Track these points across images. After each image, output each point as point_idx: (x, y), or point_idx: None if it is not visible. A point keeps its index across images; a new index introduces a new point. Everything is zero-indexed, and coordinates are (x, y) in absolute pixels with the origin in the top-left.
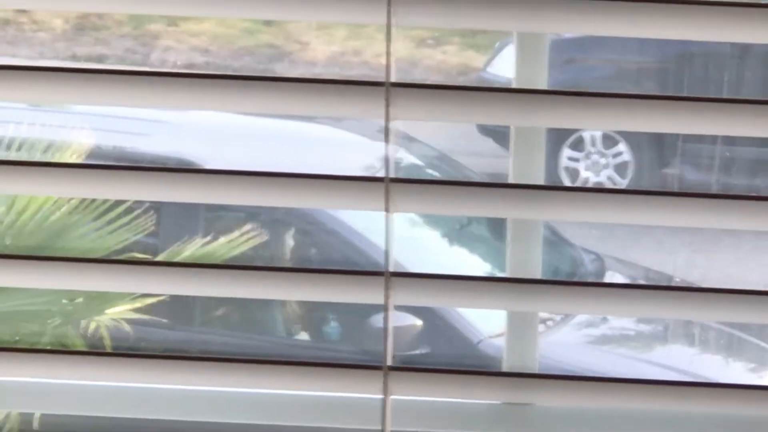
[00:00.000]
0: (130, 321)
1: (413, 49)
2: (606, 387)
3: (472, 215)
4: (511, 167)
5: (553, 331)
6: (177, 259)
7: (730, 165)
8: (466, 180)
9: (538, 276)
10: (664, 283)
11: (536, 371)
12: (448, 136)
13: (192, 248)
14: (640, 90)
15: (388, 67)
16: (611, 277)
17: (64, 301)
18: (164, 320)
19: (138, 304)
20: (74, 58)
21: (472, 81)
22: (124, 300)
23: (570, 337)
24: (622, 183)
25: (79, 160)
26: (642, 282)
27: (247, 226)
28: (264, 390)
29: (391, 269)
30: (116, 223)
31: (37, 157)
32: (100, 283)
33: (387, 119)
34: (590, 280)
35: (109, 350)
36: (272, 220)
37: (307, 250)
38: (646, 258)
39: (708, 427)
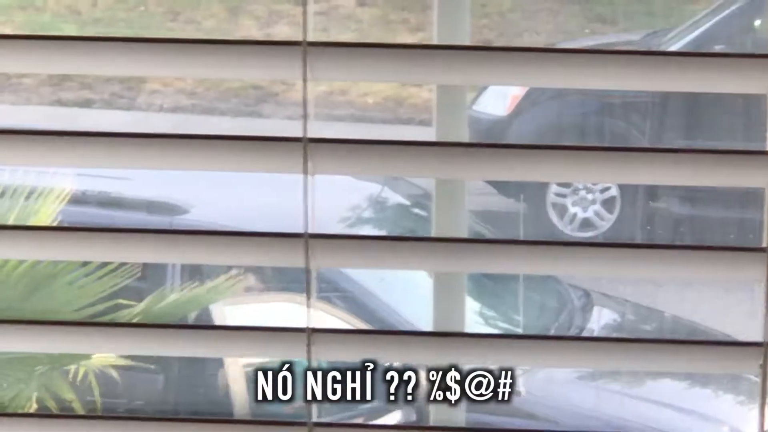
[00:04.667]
0: (117, 367)
1: (398, 88)
2: None
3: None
4: (434, 221)
5: (539, 369)
6: (162, 304)
7: (717, 197)
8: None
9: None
10: (654, 318)
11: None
12: None
13: (177, 294)
14: (629, 124)
15: (305, 121)
16: (599, 312)
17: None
18: (151, 366)
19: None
20: (60, 103)
21: None
22: None
23: (559, 372)
24: (610, 218)
25: (63, 205)
26: (630, 317)
27: (233, 271)
28: None
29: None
30: (103, 269)
31: (20, 203)
32: (76, 345)
33: (305, 173)
34: (577, 316)
35: (96, 397)
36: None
37: None
38: (635, 293)
39: None
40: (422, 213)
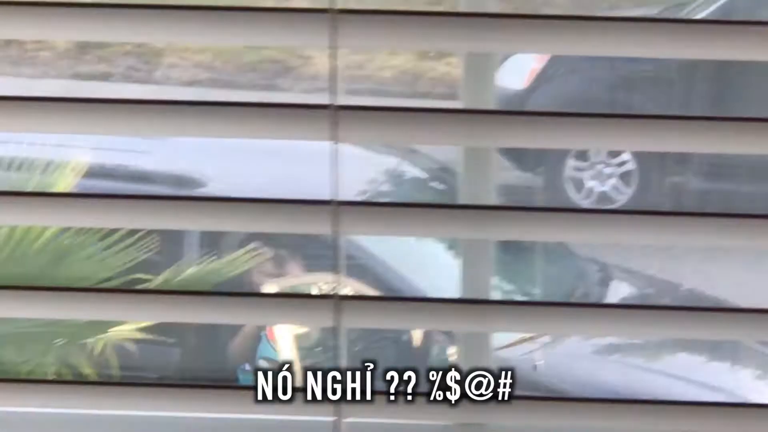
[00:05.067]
0: (135, 340)
1: (416, 62)
2: (559, 407)
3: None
4: (460, 188)
5: (559, 341)
6: (180, 278)
7: (736, 172)
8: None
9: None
10: (672, 291)
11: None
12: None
13: (194, 267)
14: (648, 100)
15: (334, 88)
16: (616, 286)
17: (69, 321)
18: (169, 339)
19: (143, 324)
20: (77, 76)
21: None
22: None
23: (576, 347)
24: (627, 192)
25: (78, 178)
26: (649, 291)
27: (251, 245)
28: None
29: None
30: (121, 243)
31: (37, 176)
32: (96, 311)
33: (334, 141)
34: (595, 289)
35: (115, 369)
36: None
37: None
38: (653, 266)
39: None
40: (440, 186)
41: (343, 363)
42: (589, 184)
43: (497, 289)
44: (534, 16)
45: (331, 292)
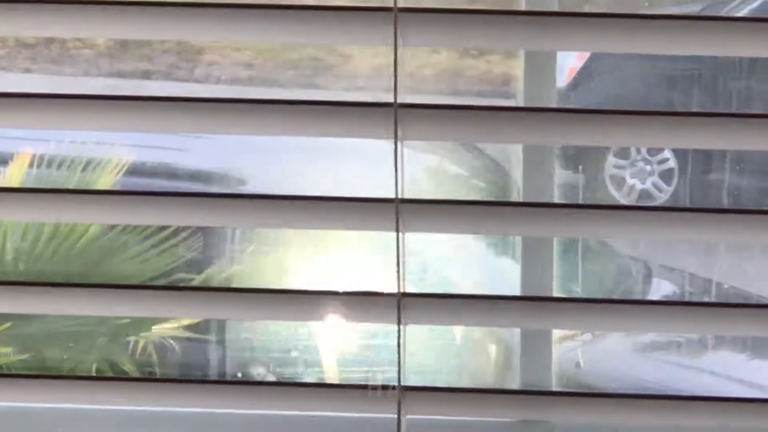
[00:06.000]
0: (177, 339)
1: (456, 60)
2: (621, 403)
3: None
4: (522, 185)
5: (600, 339)
6: (222, 276)
7: None
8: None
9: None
10: (713, 290)
11: (551, 388)
12: (493, 146)
13: (236, 266)
14: (688, 98)
15: (395, 88)
16: (657, 284)
17: (113, 319)
18: (212, 337)
19: (186, 321)
20: (118, 74)
21: (515, 90)
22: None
23: (617, 345)
24: (668, 190)
25: (119, 176)
26: (689, 289)
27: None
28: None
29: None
30: (165, 244)
31: (78, 175)
32: (140, 309)
33: (396, 140)
34: (637, 288)
35: (156, 368)
36: None
37: None
38: (695, 265)
39: None
40: (481, 184)
41: (405, 360)
42: (630, 181)
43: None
44: (595, 15)
45: (394, 291)
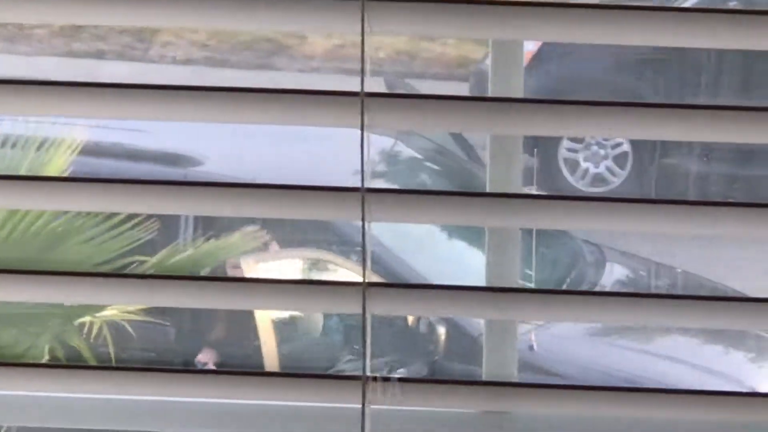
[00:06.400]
0: (131, 322)
1: (411, 42)
2: (583, 395)
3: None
4: (488, 176)
5: (553, 323)
6: (176, 259)
7: (729, 155)
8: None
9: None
10: (666, 274)
11: (515, 379)
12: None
13: (191, 248)
14: (641, 81)
15: (362, 76)
16: (611, 268)
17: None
18: (166, 322)
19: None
20: (72, 54)
21: (470, 73)
22: None
23: (569, 329)
24: (622, 174)
25: (74, 156)
26: (642, 273)
27: (249, 227)
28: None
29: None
30: (120, 227)
31: (32, 154)
32: (91, 296)
33: (362, 129)
34: (590, 272)
35: (111, 350)
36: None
37: None
38: (647, 248)
39: None
40: (435, 167)
41: (369, 350)
42: (584, 165)
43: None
44: (564, 5)
45: (359, 281)
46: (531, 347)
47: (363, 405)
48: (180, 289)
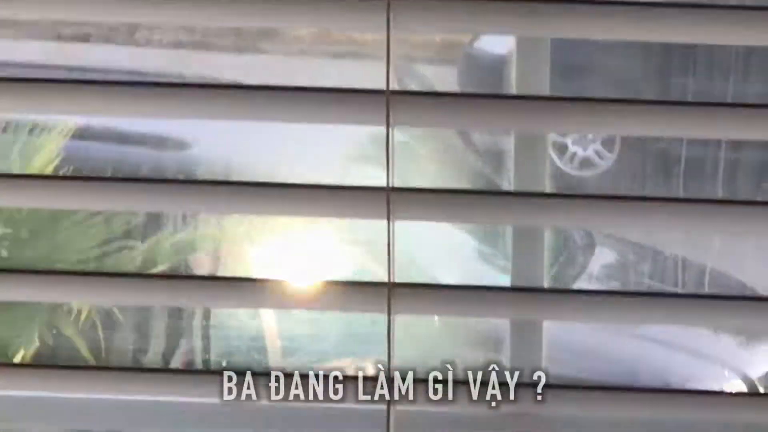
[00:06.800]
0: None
1: None
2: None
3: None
4: (513, 174)
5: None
6: (167, 244)
7: (719, 140)
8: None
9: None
10: (653, 259)
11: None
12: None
13: (183, 233)
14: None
15: (387, 74)
16: (600, 252)
17: None
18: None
19: None
20: (59, 38)
21: (458, 57)
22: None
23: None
24: (610, 157)
25: (66, 140)
26: (631, 257)
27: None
28: None
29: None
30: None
31: (23, 138)
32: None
33: (388, 127)
34: (579, 255)
35: (100, 334)
36: None
37: None
38: (645, 236)
39: None
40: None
41: (394, 351)
42: (572, 149)
43: (476, 251)
44: (593, 2)
45: (384, 281)
46: None
47: (388, 406)
48: (183, 290)
